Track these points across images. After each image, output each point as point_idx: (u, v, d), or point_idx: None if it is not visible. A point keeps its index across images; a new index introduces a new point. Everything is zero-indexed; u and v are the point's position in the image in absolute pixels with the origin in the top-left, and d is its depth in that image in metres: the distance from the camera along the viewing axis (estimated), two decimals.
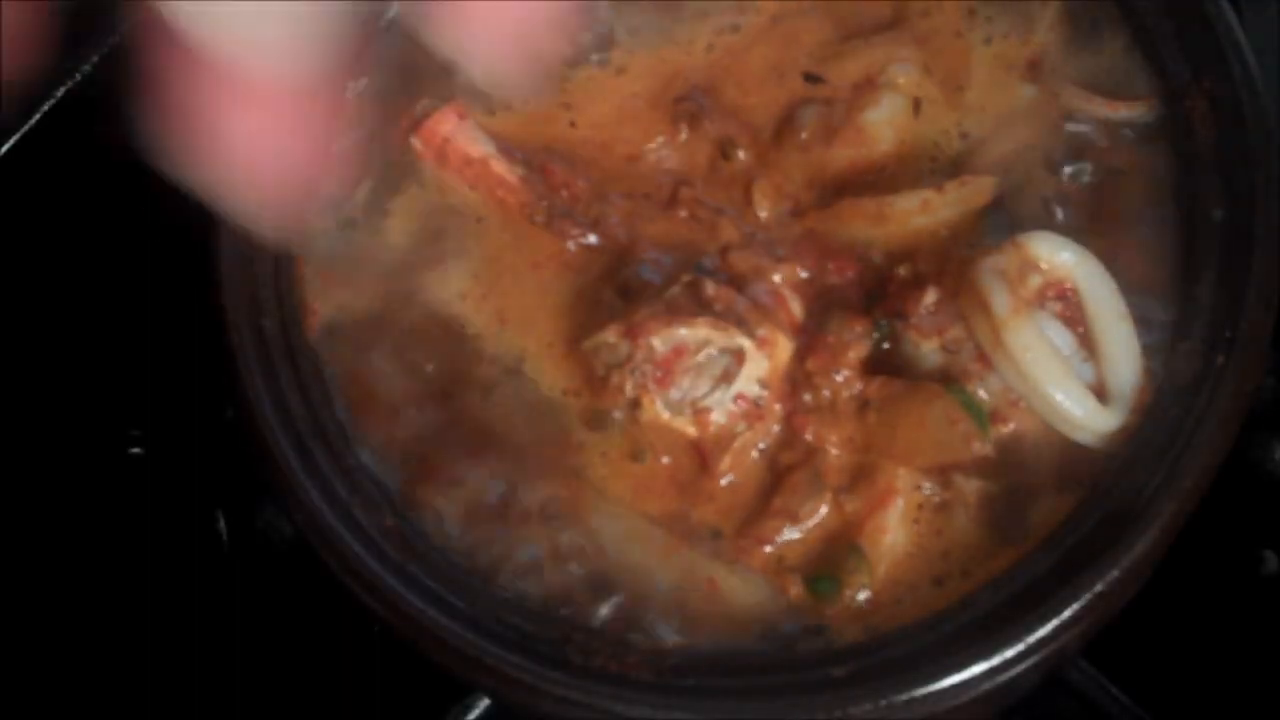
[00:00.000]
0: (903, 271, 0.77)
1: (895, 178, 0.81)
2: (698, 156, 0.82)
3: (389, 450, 0.76)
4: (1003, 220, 0.78)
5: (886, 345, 0.76)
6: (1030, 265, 0.74)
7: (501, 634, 0.70)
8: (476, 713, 0.77)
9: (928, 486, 0.74)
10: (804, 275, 0.78)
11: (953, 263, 0.76)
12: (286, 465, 0.73)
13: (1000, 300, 0.73)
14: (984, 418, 0.74)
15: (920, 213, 0.79)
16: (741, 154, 0.81)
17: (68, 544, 0.91)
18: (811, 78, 0.83)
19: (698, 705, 0.69)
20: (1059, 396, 0.72)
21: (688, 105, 0.82)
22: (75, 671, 0.89)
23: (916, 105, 0.82)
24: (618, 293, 0.77)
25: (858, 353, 0.75)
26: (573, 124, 0.83)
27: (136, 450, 0.93)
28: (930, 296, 0.75)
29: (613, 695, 0.69)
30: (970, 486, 0.74)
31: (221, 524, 0.92)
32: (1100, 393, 0.73)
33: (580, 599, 0.72)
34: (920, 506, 0.74)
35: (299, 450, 0.73)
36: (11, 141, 1.00)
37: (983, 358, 0.74)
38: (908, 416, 0.74)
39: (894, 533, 0.73)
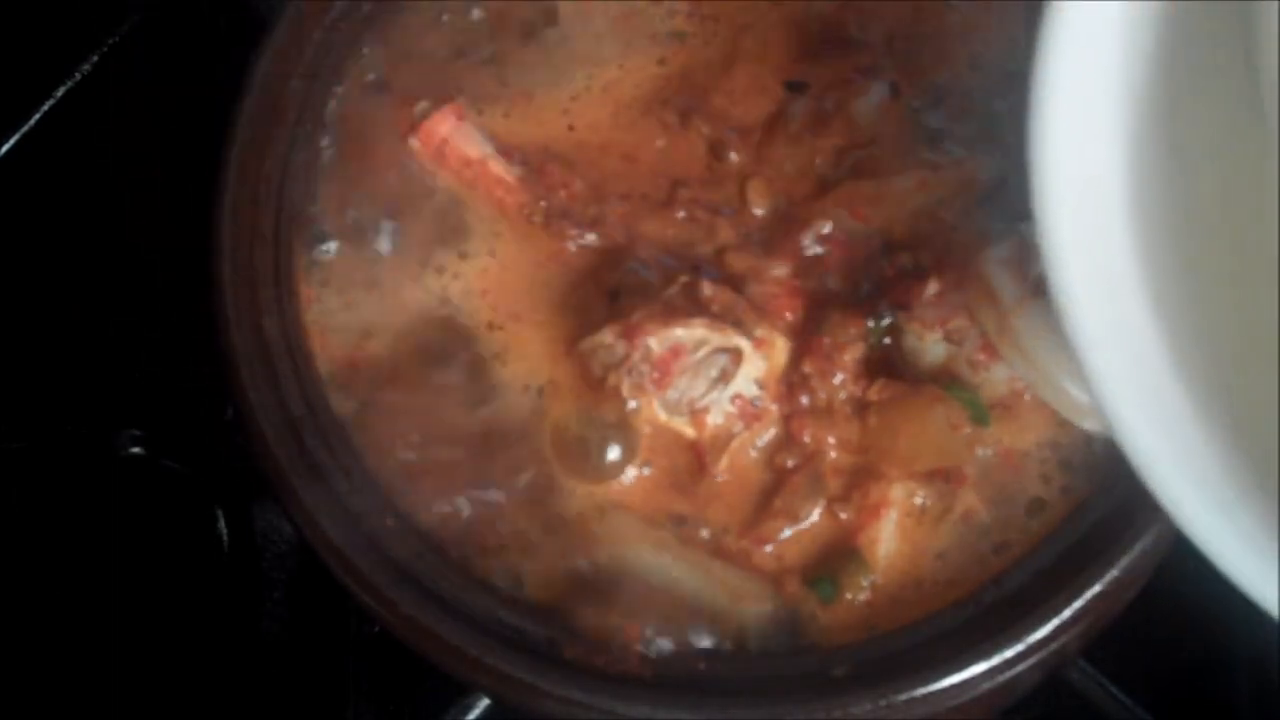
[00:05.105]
0: (904, 262, 0.77)
1: (890, 164, 0.80)
2: (694, 157, 0.82)
3: (388, 450, 0.76)
4: (1003, 208, 0.78)
5: (888, 341, 0.76)
6: (1034, 253, 0.74)
7: (501, 634, 0.70)
8: (476, 713, 0.77)
9: (924, 492, 0.74)
10: (800, 273, 0.78)
11: (954, 252, 0.76)
12: (286, 465, 0.73)
13: (1007, 289, 0.72)
14: (987, 419, 0.74)
15: (917, 192, 0.79)
16: (734, 155, 0.81)
17: (68, 544, 0.92)
18: (794, 85, 0.83)
19: (698, 705, 0.69)
20: (1069, 384, 0.72)
21: (677, 104, 0.82)
22: (75, 671, 0.89)
23: (896, 89, 0.82)
24: (615, 293, 0.77)
25: (854, 355, 0.75)
26: (571, 127, 0.83)
27: (136, 450, 0.93)
28: (932, 287, 0.75)
29: (613, 695, 0.69)
30: (969, 488, 0.74)
31: (221, 524, 0.92)
32: None
33: (580, 599, 0.72)
34: (917, 508, 0.74)
35: (299, 450, 0.73)
36: (12, 141, 1.00)
37: (987, 348, 0.74)
38: (909, 420, 0.74)
39: (888, 542, 0.73)
